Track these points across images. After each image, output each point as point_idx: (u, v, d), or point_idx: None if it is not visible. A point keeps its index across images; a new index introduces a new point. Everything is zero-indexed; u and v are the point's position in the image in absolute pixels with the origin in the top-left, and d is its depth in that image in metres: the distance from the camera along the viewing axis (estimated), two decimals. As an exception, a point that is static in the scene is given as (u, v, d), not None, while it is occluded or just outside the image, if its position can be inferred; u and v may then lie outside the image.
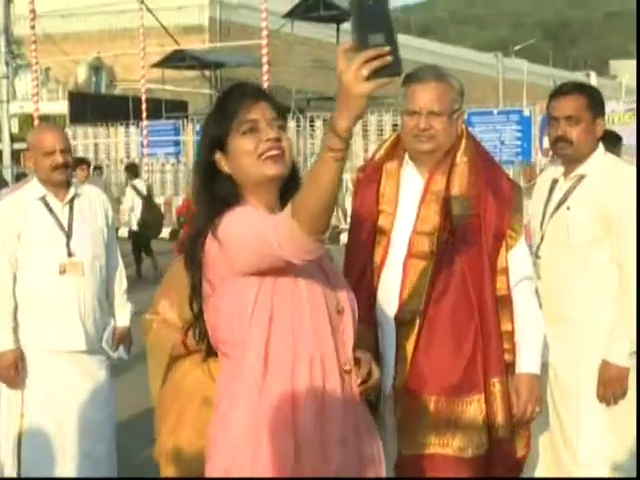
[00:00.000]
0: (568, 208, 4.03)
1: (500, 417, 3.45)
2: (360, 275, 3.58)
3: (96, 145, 30.74)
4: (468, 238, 3.49)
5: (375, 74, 2.06)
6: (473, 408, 3.43)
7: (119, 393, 5.15)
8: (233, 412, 2.51)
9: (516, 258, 3.55)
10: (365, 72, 2.03)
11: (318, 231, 2.23)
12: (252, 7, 37.41)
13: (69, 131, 31.44)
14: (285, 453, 2.46)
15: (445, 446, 3.42)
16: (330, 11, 33.85)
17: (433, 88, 3.50)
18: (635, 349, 3.92)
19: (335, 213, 15.76)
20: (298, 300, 2.48)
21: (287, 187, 2.62)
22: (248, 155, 2.55)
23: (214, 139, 2.60)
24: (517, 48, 66.41)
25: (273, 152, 2.54)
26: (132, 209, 15.60)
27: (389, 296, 3.53)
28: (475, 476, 3.44)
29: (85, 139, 31.23)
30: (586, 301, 3.98)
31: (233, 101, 2.59)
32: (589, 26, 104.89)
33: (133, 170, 17.00)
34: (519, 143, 23.80)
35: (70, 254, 4.66)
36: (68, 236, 4.68)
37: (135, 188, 15.85)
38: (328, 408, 2.51)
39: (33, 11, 21.40)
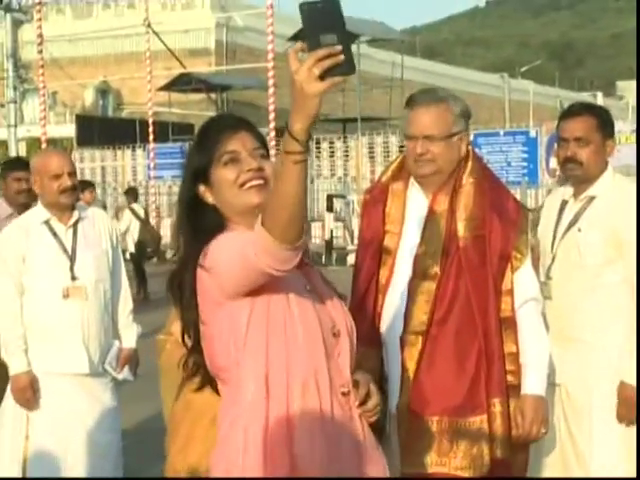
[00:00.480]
0: (579, 230, 4.02)
1: (499, 438, 3.43)
2: (365, 295, 3.60)
3: (103, 168, 30.82)
4: (473, 259, 3.49)
5: (328, 73, 2.06)
6: (475, 428, 3.41)
7: (129, 413, 5.13)
8: (233, 434, 2.50)
9: (521, 279, 3.54)
10: (317, 71, 2.04)
11: (290, 239, 2.22)
12: (258, 30, 37.53)
13: (76, 154, 31.58)
14: (282, 475, 2.44)
15: (446, 465, 3.41)
16: (336, 33, 33.95)
17: (429, 112, 3.52)
18: None
19: (342, 235, 15.79)
20: (291, 323, 2.47)
21: None
22: (230, 186, 2.54)
23: (197, 171, 2.59)
24: (523, 69, 66.56)
25: (255, 182, 2.53)
26: (127, 230, 15.94)
27: (394, 317, 3.53)
28: None
29: (92, 162, 31.32)
30: (597, 322, 3.97)
31: (213, 133, 2.59)
32: (595, 47, 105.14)
33: (133, 194, 17.50)
34: (525, 164, 23.79)
35: (74, 278, 4.67)
36: (72, 260, 4.69)
37: (133, 211, 16.36)
38: (325, 430, 2.48)
39: (41, 36, 21.49)
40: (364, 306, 3.58)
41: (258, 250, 2.25)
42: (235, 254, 2.36)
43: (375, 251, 3.63)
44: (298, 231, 2.22)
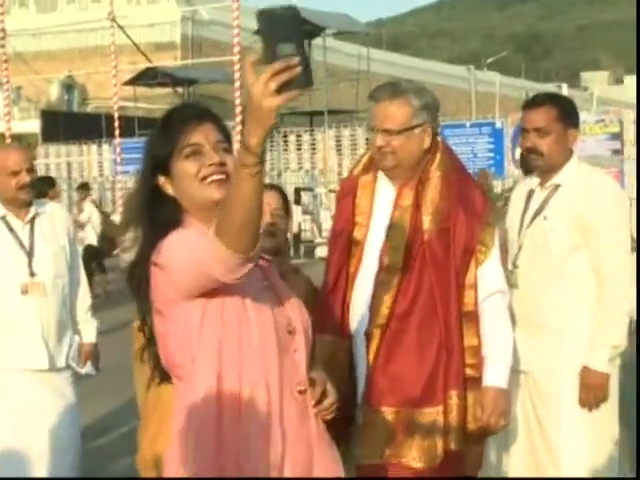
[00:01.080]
0: (545, 218, 4.05)
1: (454, 430, 3.45)
2: (335, 286, 3.63)
3: (69, 164, 30.63)
4: (437, 253, 3.51)
5: (284, 86, 2.00)
6: (431, 420, 3.43)
7: (89, 409, 5.13)
8: (186, 431, 2.49)
9: (487, 272, 3.55)
10: (273, 86, 1.99)
11: (244, 249, 2.20)
12: (224, 23, 37.41)
13: (42, 149, 31.37)
14: (232, 474, 2.44)
15: (400, 456, 3.43)
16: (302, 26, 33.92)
17: (386, 106, 3.55)
18: (616, 354, 3.98)
19: (310, 228, 15.76)
20: (246, 325, 2.45)
21: None
22: (191, 179, 2.50)
23: (157, 161, 2.55)
24: (489, 61, 66.80)
25: (216, 177, 2.49)
26: (89, 221, 15.90)
27: (361, 309, 3.56)
28: None
29: (58, 157, 31.12)
30: (563, 309, 4.01)
31: (177, 123, 2.54)
32: (561, 38, 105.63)
33: (86, 188, 17.70)
34: (492, 155, 23.90)
35: (32, 274, 4.64)
36: (29, 256, 4.66)
37: (95, 203, 16.48)
38: (277, 430, 2.47)
39: (3, 30, 21.28)
40: (334, 297, 3.61)
41: (211, 258, 2.23)
42: (188, 258, 2.33)
43: (345, 243, 3.65)
44: (252, 241, 2.20)
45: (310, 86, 2.03)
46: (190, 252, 2.33)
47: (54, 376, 4.72)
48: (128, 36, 33.51)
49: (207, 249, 2.24)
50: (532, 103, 4.13)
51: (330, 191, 27.56)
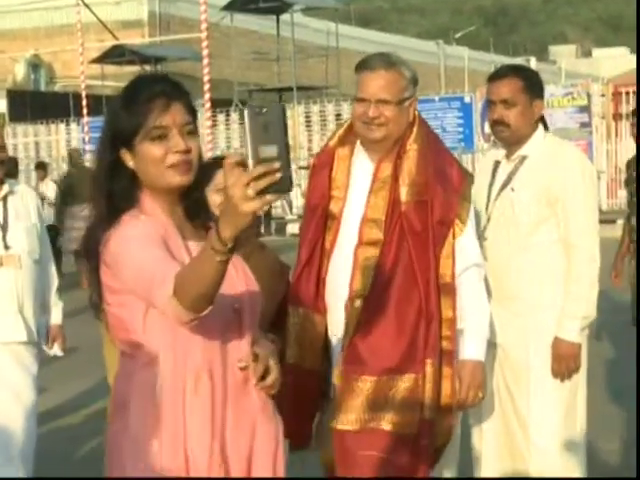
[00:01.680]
0: (512, 189, 4.07)
1: (428, 399, 3.49)
2: (310, 260, 3.64)
3: (37, 143, 30.39)
4: (415, 225, 3.52)
5: (264, 189, 2.01)
6: (409, 386, 3.47)
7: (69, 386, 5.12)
8: (121, 413, 2.52)
9: (462, 246, 3.58)
10: (251, 192, 1.99)
11: (199, 312, 2.24)
12: (191, 0, 37.15)
13: (9, 129, 31.06)
14: (170, 452, 2.47)
15: (376, 422, 3.46)
16: (269, 3, 33.71)
17: (382, 76, 3.54)
18: (586, 324, 4.02)
19: (280, 204, 15.66)
20: None
21: (190, 190, 2.58)
22: (155, 163, 2.48)
23: (121, 136, 2.51)
24: (458, 35, 66.73)
25: (181, 164, 2.48)
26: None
27: (339, 282, 3.57)
28: (399, 451, 3.48)
29: (25, 137, 30.85)
30: (532, 279, 4.03)
31: (144, 98, 2.49)
32: (528, 12, 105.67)
33: (44, 168, 17.82)
34: (461, 130, 23.95)
35: (7, 247, 4.67)
36: (3, 229, 4.68)
37: (57, 183, 16.16)
38: (219, 406, 2.51)
39: (-32, 9, 21.06)
40: (309, 271, 3.62)
41: (163, 304, 2.26)
42: (136, 276, 2.35)
43: (320, 216, 3.65)
44: (207, 304, 2.24)
45: (289, 191, 2.05)
46: (137, 268, 2.34)
47: (26, 350, 4.73)
48: (94, 14, 33.22)
49: (160, 288, 2.25)
50: (497, 75, 4.14)
51: (300, 167, 27.52)
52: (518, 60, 65.33)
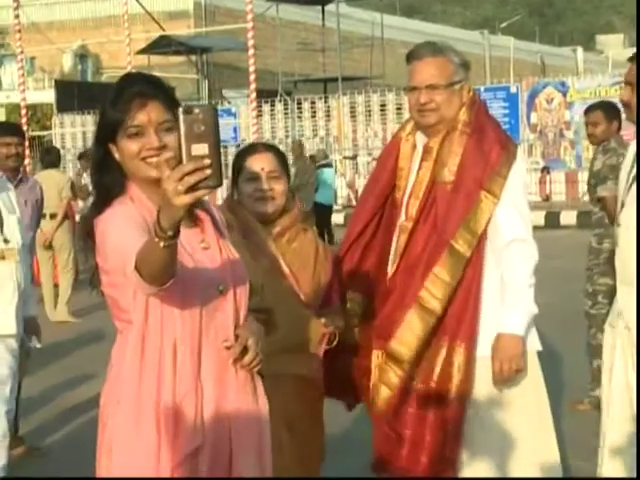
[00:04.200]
0: None
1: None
2: (356, 239, 3.88)
3: (84, 133, 30.67)
4: (443, 205, 3.63)
5: (194, 185, 2.16)
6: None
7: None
8: (116, 387, 2.66)
9: (499, 221, 3.61)
10: (181, 187, 2.15)
11: (159, 285, 2.38)
12: (236, -9, 37.27)
13: (57, 119, 31.40)
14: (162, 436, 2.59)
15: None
16: (315, -7, 33.80)
17: (430, 63, 3.67)
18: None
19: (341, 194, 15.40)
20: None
21: None
22: (132, 157, 2.65)
23: (107, 130, 2.70)
24: (503, 25, 66.33)
25: (155, 159, 2.62)
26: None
27: (391, 259, 3.80)
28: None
29: (73, 127, 31.16)
30: None
31: (125, 99, 2.68)
32: (574, 1, 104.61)
33: (87, 158, 17.33)
34: (507, 120, 23.82)
35: (6, 240, 4.72)
36: (1, 224, 4.73)
37: None
38: (204, 385, 2.64)
39: (17, 0, 21.30)
40: (368, 246, 3.85)
41: (130, 277, 2.41)
42: (119, 256, 2.50)
43: (377, 196, 3.86)
44: (168, 279, 2.38)
45: (219, 186, 2.19)
46: (120, 255, 2.49)
47: (14, 342, 4.77)
48: (141, 4, 33.47)
49: (129, 258, 2.40)
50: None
51: (345, 157, 27.55)
52: (565, 50, 64.78)
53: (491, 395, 3.75)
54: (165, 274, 2.36)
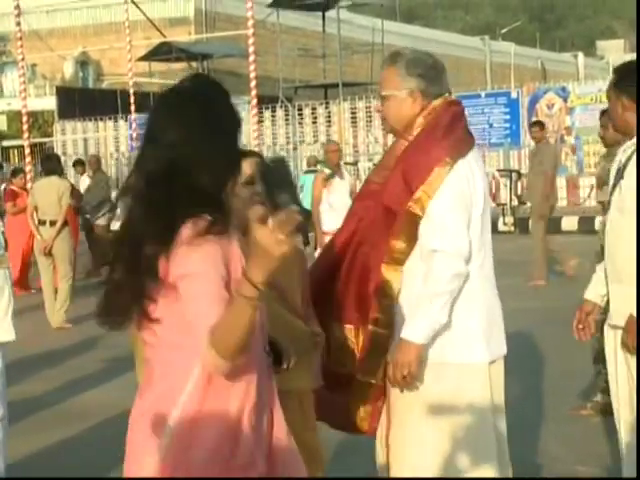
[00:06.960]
0: (622, 177, 4.04)
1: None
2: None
3: (85, 140, 30.70)
4: (377, 207, 3.71)
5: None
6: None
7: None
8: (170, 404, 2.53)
9: (422, 231, 3.63)
10: (282, 236, 2.20)
11: (234, 359, 2.37)
12: (237, -3, 37.32)
13: (58, 126, 31.42)
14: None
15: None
16: (315, -1, 33.83)
17: (381, 75, 3.83)
18: None
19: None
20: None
21: None
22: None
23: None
24: (504, 31, 66.38)
25: None
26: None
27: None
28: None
29: (74, 134, 31.18)
30: (629, 267, 3.92)
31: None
32: (574, 7, 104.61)
33: (82, 164, 18.46)
34: (507, 125, 23.84)
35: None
36: None
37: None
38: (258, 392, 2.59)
39: (18, 7, 21.31)
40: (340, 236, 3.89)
41: (204, 352, 2.36)
42: (199, 308, 2.41)
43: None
44: (242, 353, 2.37)
45: (306, 230, 2.28)
46: (203, 304, 2.40)
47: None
48: (142, 11, 33.51)
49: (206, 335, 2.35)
50: None
51: (346, 163, 27.52)
52: (565, 55, 64.83)
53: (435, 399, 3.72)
54: (246, 346, 2.36)
